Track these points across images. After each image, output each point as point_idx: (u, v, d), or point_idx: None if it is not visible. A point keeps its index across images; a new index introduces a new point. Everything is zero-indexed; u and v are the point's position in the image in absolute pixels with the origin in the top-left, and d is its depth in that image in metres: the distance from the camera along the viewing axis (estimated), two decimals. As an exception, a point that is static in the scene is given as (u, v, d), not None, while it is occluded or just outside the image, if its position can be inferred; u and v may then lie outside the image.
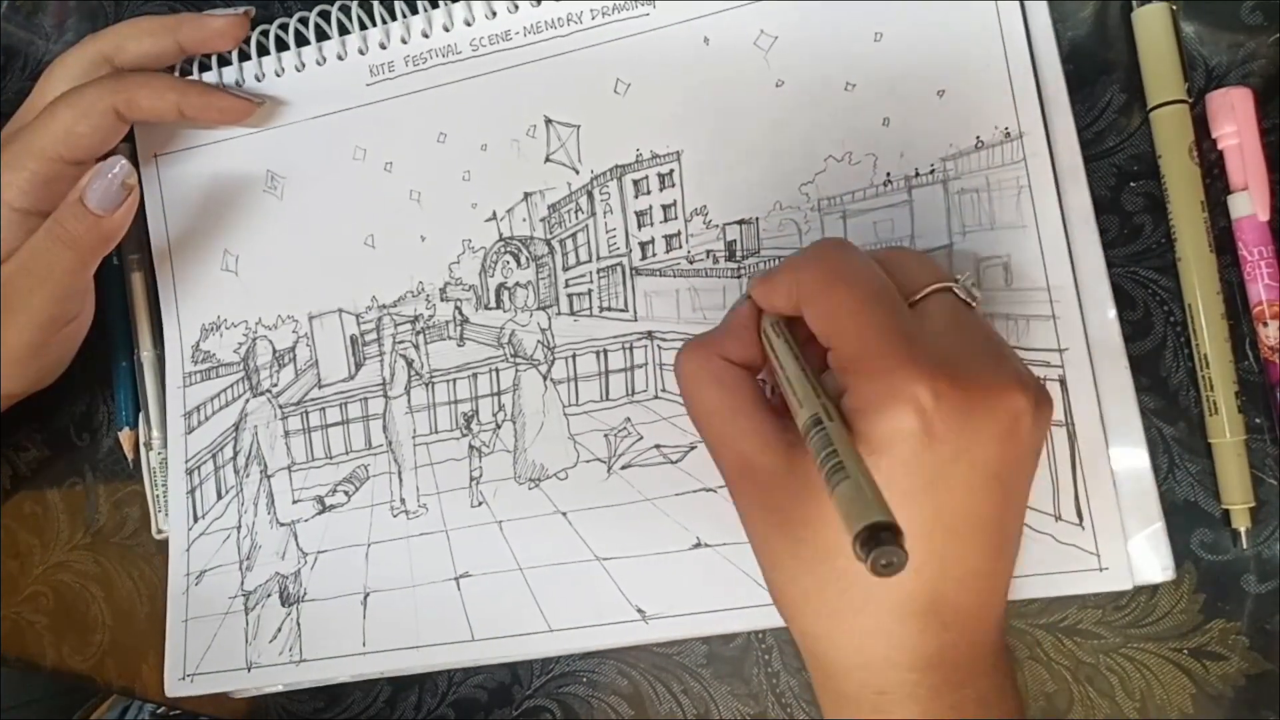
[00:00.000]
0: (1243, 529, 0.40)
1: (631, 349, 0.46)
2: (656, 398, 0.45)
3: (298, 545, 0.49)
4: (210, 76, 0.51)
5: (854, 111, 0.43)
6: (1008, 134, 0.41)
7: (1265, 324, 0.40)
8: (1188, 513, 0.41)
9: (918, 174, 0.42)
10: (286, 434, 0.50)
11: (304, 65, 0.50)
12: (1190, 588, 0.41)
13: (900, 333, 0.31)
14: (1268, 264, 0.40)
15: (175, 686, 0.49)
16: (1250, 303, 0.40)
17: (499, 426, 0.47)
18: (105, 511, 0.55)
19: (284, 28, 0.50)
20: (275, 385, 0.50)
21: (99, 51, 0.48)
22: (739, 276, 0.44)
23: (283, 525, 0.49)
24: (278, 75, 0.50)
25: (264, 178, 0.51)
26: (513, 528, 0.46)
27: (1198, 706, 0.40)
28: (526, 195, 0.47)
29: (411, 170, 0.49)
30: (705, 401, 0.35)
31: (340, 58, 0.49)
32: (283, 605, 0.48)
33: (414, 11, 0.48)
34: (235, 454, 0.50)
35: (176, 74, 0.50)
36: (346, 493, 0.49)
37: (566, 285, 0.47)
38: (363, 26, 0.49)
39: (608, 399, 0.46)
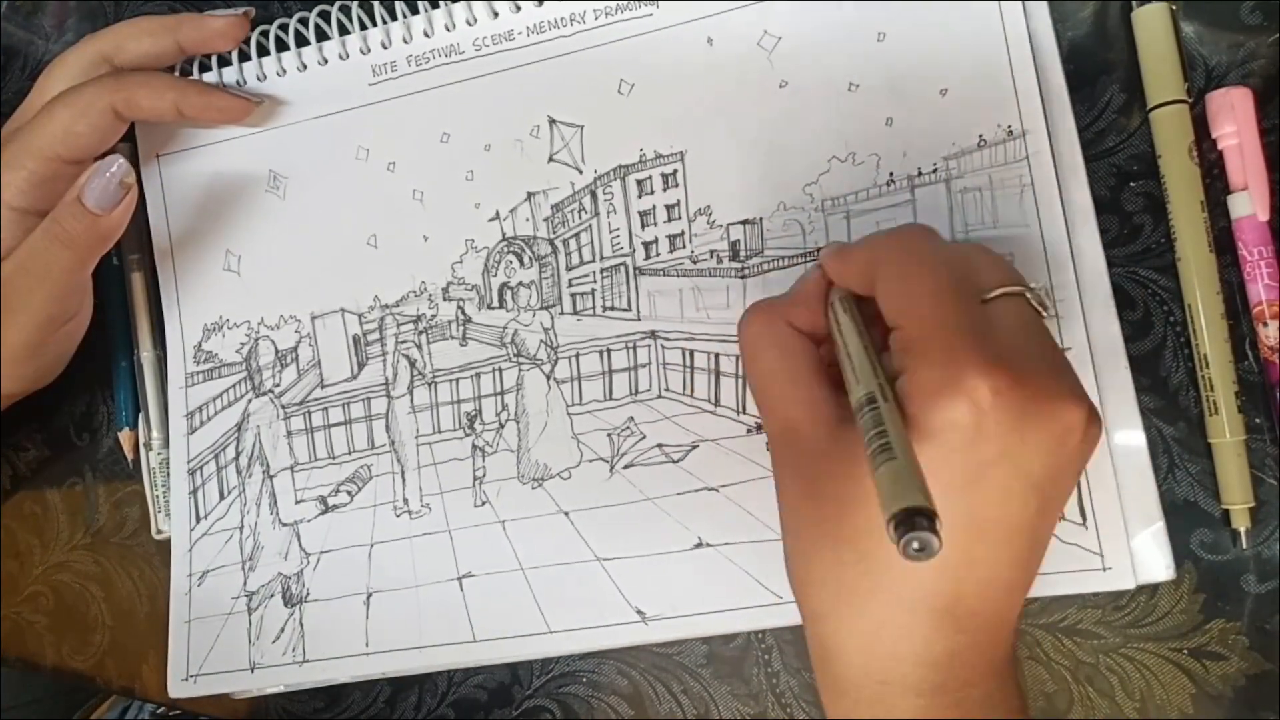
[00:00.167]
0: (1243, 529, 0.40)
1: (635, 348, 0.46)
2: (660, 397, 0.45)
3: (300, 546, 0.49)
4: (210, 77, 0.51)
5: (857, 111, 0.43)
6: (1010, 133, 0.41)
7: (1265, 324, 0.40)
8: (1188, 513, 0.41)
9: (921, 173, 0.42)
10: (289, 434, 0.50)
11: (305, 65, 0.50)
12: (1190, 588, 0.41)
13: (969, 325, 0.31)
14: (1268, 264, 0.40)
15: (178, 688, 0.49)
16: (1250, 303, 0.41)
17: (502, 426, 0.47)
18: (105, 511, 0.55)
19: (284, 28, 0.50)
20: (278, 385, 0.50)
21: (98, 51, 0.48)
22: (743, 277, 0.44)
23: (285, 525, 0.49)
24: (279, 75, 0.50)
25: (266, 178, 0.51)
26: (515, 528, 0.46)
27: (1198, 706, 0.41)
28: (530, 195, 0.47)
29: (414, 170, 0.49)
30: (764, 363, 0.36)
31: (342, 57, 0.49)
32: (285, 606, 0.48)
33: (415, 11, 0.48)
34: (238, 454, 0.50)
35: (176, 74, 0.50)
36: (349, 493, 0.49)
37: (570, 285, 0.47)
38: (362, 27, 0.49)
39: (611, 398, 0.46)
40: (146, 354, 0.53)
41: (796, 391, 0.34)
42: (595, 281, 0.46)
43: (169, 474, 0.51)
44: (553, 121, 0.47)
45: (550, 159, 0.47)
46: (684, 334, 0.45)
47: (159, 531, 0.52)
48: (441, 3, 0.48)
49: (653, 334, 0.45)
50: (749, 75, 0.44)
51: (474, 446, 0.47)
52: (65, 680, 0.54)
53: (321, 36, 0.50)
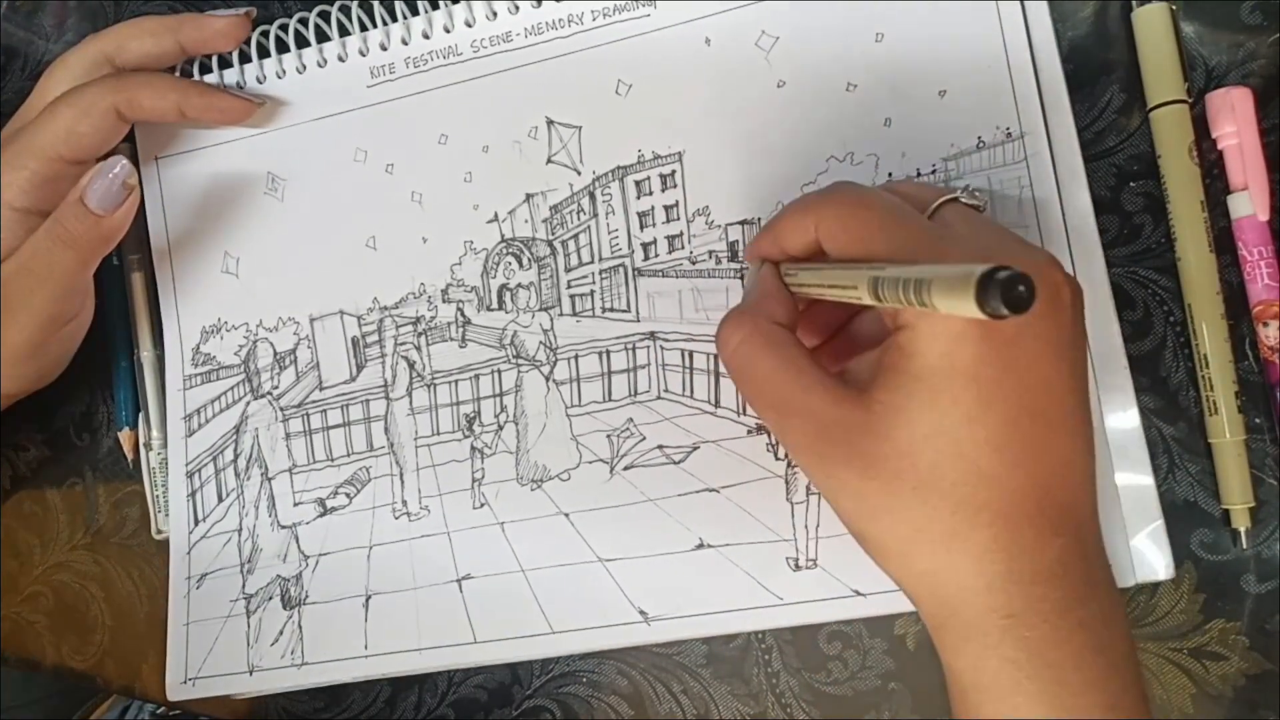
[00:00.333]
0: (1243, 529, 0.40)
1: (634, 350, 0.46)
2: (659, 398, 0.45)
3: (299, 548, 0.49)
4: (211, 78, 0.51)
5: (855, 112, 0.43)
6: (1009, 134, 0.41)
7: (1265, 324, 0.40)
8: (1188, 513, 0.41)
9: (919, 174, 0.42)
10: (288, 436, 0.50)
11: (305, 67, 0.50)
12: (1190, 588, 0.41)
13: (930, 234, 0.32)
14: (1268, 264, 0.40)
15: (177, 690, 0.49)
16: (1250, 303, 0.41)
17: (501, 428, 0.47)
18: (105, 511, 0.55)
19: (284, 29, 0.50)
20: (276, 387, 0.50)
21: (100, 51, 0.48)
22: (742, 277, 0.44)
23: (284, 528, 0.49)
24: (279, 77, 0.50)
25: (264, 179, 0.51)
26: (515, 529, 0.46)
27: (1198, 706, 0.41)
28: (528, 196, 0.47)
29: (413, 172, 0.49)
30: (762, 367, 0.35)
31: (341, 59, 0.49)
32: (284, 608, 0.48)
33: (414, 13, 0.48)
34: (236, 456, 0.50)
35: (177, 75, 0.50)
36: (348, 495, 0.49)
37: (569, 286, 0.47)
38: (363, 28, 0.49)
39: (610, 400, 0.46)
40: (146, 354, 0.53)
41: (808, 381, 0.34)
42: (594, 283, 0.46)
43: (169, 474, 0.51)
44: (551, 123, 0.47)
45: (549, 160, 0.47)
46: (683, 335, 0.45)
47: (159, 531, 0.52)
48: (440, 4, 0.48)
49: (652, 335, 0.45)
50: (747, 75, 0.44)
51: (473, 448, 0.47)
52: (65, 680, 0.54)
53: (321, 37, 0.50)
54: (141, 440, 0.53)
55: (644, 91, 0.46)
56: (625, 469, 0.45)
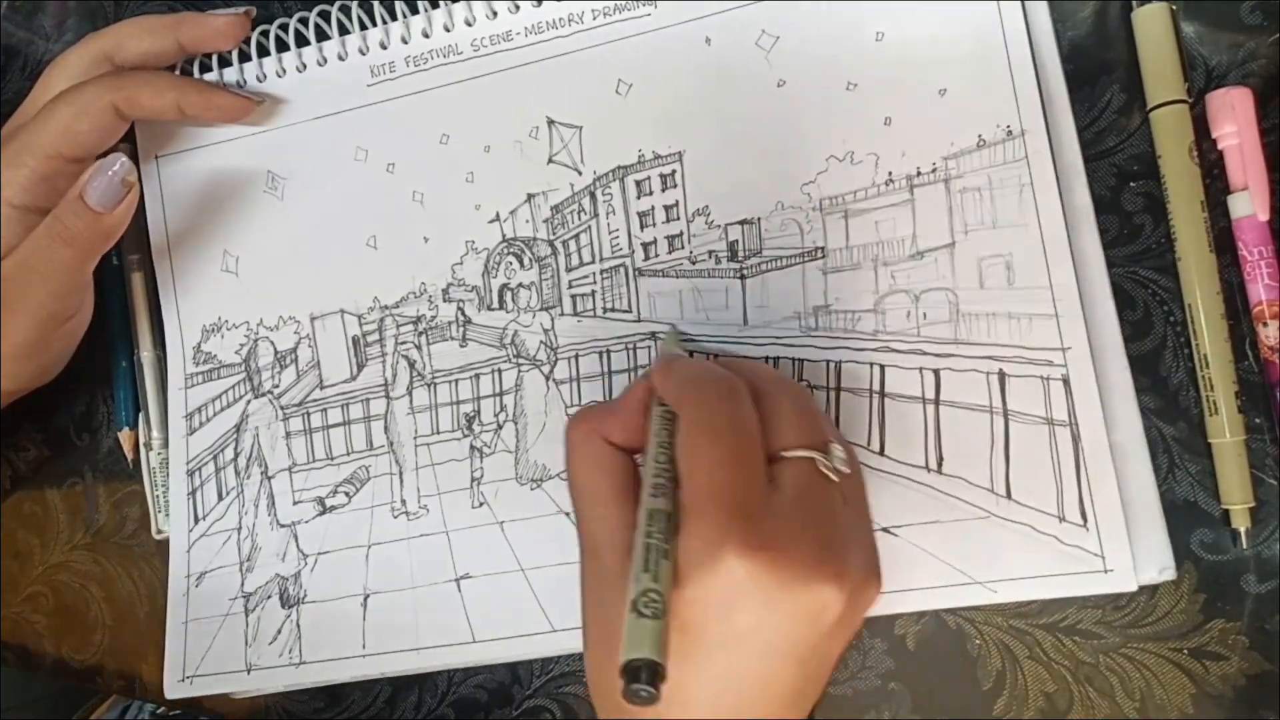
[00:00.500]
0: (1243, 529, 0.40)
1: (635, 350, 0.46)
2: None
3: (298, 547, 0.49)
4: (211, 77, 0.51)
5: (855, 111, 0.43)
6: (1009, 132, 0.41)
7: (1265, 324, 0.40)
8: (1188, 513, 0.41)
9: (919, 173, 0.42)
10: (288, 435, 0.50)
11: (305, 65, 0.50)
12: (1190, 588, 0.41)
13: (741, 504, 0.32)
14: (1268, 264, 0.40)
15: (175, 688, 0.49)
16: (1250, 303, 0.40)
17: (500, 427, 0.47)
18: (105, 511, 0.55)
19: (284, 28, 0.50)
20: (277, 386, 0.50)
21: (100, 50, 0.48)
22: (741, 277, 0.44)
23: (283, 527, 0.49)
24: (279, 75, 0.50)
25: (264, 178, 0.51)
26: (514, 528, 0.46)
27: (1198, 706, 0.40)
28: (529, 196, 0.47)
29: (414, 171, 0.49)
30: (576, 477, 0.36)
31: (341, 58, 0.49)
32: (283, 607, 0.48)
33: (414, 11, 0.48)
34: (236, 455, 0.50)
35: (176, 73, 0.50)
36: (347, 494, 0.49)
37: (569, 286, 0.47)
38: (363, 27, 0.49)
39: (610, 399, 0.46)
40: (146, 354, 0.53)
41: (599, 511, 0.35)
42: (595, 283, 0.46)
43: (169, 474, 0.51)
44: (551, 122, 0.47)
45: (550, 160, 0.47)
46: (683, 335, 0.45)
47: (159, 531, 0.52)
48: (441, 3, 0.48)
49: (653, 335, 0.45)
50: (747, 75, 0.44)
51: (472, 447, 0.47)
52: (65, 680, 0.54)
53: (321, 37, 0.50)
54: (141, 440, 0.53)
55: (644, 91, 0.46)
56: (625, 468, 0.45)
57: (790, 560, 0.31)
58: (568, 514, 0.45)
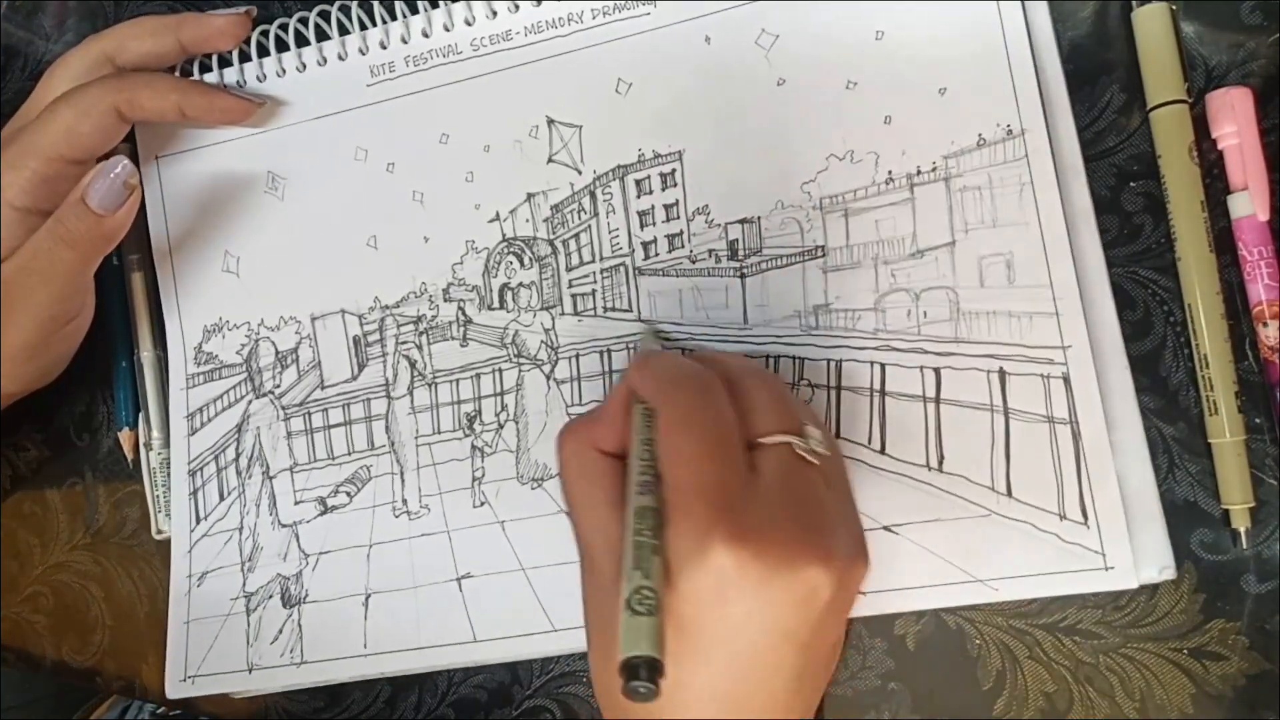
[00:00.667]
0: (1243, 529, 0.40)
1: (635, 349, 0.46)
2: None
3: (299, 546, 0.49)
4: (211, 77, 0.51)
5: (855, 110, 0.43)
6: (1010, 131, 0.41)
7: (1265, 324, 0.40)
8: (1188, 513, 0.41)
9: (920, 171, 0.42)
10: (289, 435, 0.50)
11: (305, 66, 0.50)
12: (1190, 588, 0.41)
13: (723, 495, 0.32)
14: (1268, 264, 0.40)
15: (176, 688, 0.49)
16: (1250, 303, 0.40)
17: (501, 427, 0.47)
18: (105, 511, 0.55)
19: (284, 28, 0.50)
20: (278, 386, 0.50)
21: (101, 51, 0.48)
22: (741, 276, 0.44)
23: (284, 526, 0.49)
24: (279, 76, 0.50)
25: (265, 179, 0.51)
26: (515, 528, 0.46)
27: (1198, 706, 0.40)
28: (529, 196, 0.47)
29: (414, 171, 0.49)
30: (568, 485, 0.36)
31: (341, 58, 0.49)
32: (284, 607, 0.48)
33: (414, 11, 0.48)
34: (238, 455, 0.50)
35: (177, 74, 0.50)
36: (348, 494, 0.49)
37: (570, 285, 0.47)
38: (363, 26, 0.49)
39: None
40: (146, 354, 0.53)
41: (593, 519, 0.35)
42: (595, 282, 0.46)
43: (169, 474, 0.51)
44: (551, 122, 0.47)
45: (549, 159, 0.47)
46: (684, 334, 0.45)
47: (159, 531, 0.52)
48: (440, 3, 0.48)
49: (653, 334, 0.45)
50: (747, 74, 0.44)
51: (473, 447, 0.47)
52: (65, 680, 0.54)
53: (321, 37, 0.50)
54: (141, 440, 0.53)
55: (644, 90, 0.46)
56: (626, 468, 0.45)
57: (776, 546, 0.32)
58: (569, 514, 0.45)
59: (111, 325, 0.54)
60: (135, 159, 0.52)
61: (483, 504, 0.46)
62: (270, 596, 0.49)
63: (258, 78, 0.50)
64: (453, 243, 0.48)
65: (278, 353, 0.50)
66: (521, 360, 0.47)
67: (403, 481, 0.48)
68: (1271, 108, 0.41)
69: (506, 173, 0.47)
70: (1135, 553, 0.39)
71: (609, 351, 0.46)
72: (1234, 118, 0.40)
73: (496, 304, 0.47)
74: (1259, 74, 0.41)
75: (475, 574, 0.46)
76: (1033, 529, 0.40)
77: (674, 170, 0.45)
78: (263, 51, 0.50)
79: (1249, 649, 0.40)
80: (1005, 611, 0.42)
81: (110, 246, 0.46)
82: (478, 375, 0.48)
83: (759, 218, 0.44)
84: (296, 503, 0.49)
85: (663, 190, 0.45)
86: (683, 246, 0.45)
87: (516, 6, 0.47)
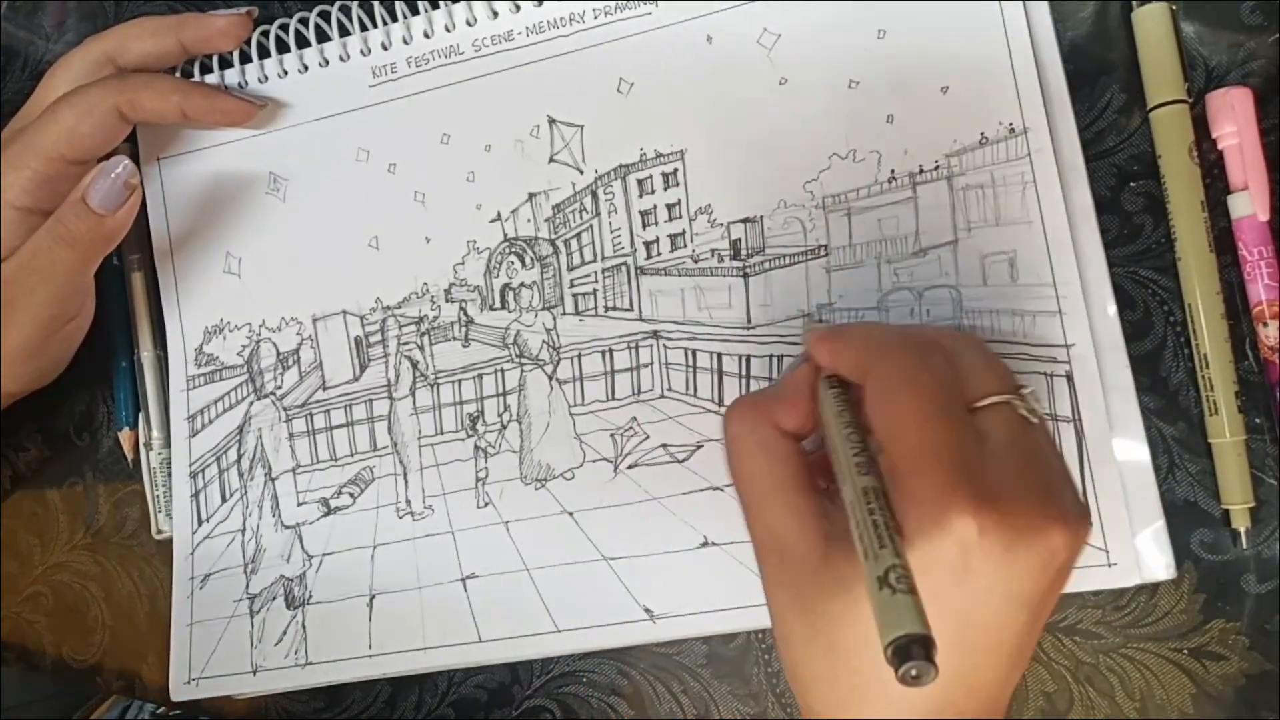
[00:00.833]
0: (1243, 529, 0.40)
1: (637, 348, 0.46)
2: (662, 397, 0.45)
3: (303, 548, 0.49)
4: (212, 78, 0.51)
5: (858, 108, 0.43)
6: (1012, 130, 0.41)
7: (1265, 324, 0.40)
8: (1188, 513, 0.41)
9: (922, 170, 0.42)
10: (291, 436, 0.50)
11: (306, 67, 0.50)
12: (1190, 588, 0.41)
13: (956, 457, 0.31)
14: (1268, 264, 0.40)
15: (181, 690, 0.49)
16: (1250, 303, 0.41)
17: (504, 427, 0.47)
18: (105, 511, 0.54)
19: (284, 29, 0.50)
20: (279, 387, 0.50)
21: (102, 51, 0.48)
22: (744, 275, 0.44)
23: (287, 528, 0.49)
24: (280, 76, 0.50)
25: (266, 179, 0.51)
26: (519, 528, 0.46)
27: (1198, 706, 0.41)
28: (531, 196, 0.47)
29: (415, 171, 0.49)
30: (748, 469, 0.35)
31: (342, 59, 0.49)
32: (288, 608, 0.48)
33: (415, 12, 0.48)
34: (239, 457, 0.50)
35: (178, 75, 0.50)
36: (351, 495, 0.49)
37: (572, 285, 0.47)
38: (363, 27, 0.49)
39: (614, 398, 0.46)
40: (147, 354, 0.53)
41: (782, 502, 0.34)
42: (597, 282, 0.46)
43: (169, 474, 0.51)
44: (553, 121, 0.47)
45: (551, 159, 0.47)
46: (686, 334, 0.45)
47: (159, 531, 0.52)
48: (441, 3, 0.48)
49: (655, 334, 0.45)
50: (749, 73, 0.44)
51: (476, 448, 0.47)
52: (65, 680, 0.54)
53: (322, 37, 0.50)
54: (141, 440, 0.52)
55: (646, 90, 0.46)
56: (629, 468, 0.45)
57: (1018, 510, 0.30)
58: (572, 514, 0.45)
59: (111, 325, 0.53)
60: (137, 159, 0.52)
61: (486, 504, 0.46)
62: (274, 598, 0.49)
63: (259, 79, 0.50)
64: (454, 243, 0.48)
65: (279, 354, 0.50)
66: (524, 360, 0.47)
67: (406, 482, 0.48)
68: (1271, 108, 0.41)
69: (508, 173, 0.47)
70: (1135, 552, 0.39)
71: (611, 351, 0.46)
72: (1234, 118, 0.40)
73: (498, 304, 0.47)
74: (1259, 74, 0.41)
75: (480, 574, 0.46)
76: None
77: (676, 169, 0.45)
78: (263, 52, 0.50)
79: (1249, 649, 0.40)
80: (1006, 611, 0.42)
81: (110, 247, 0.46)
82: (480, 376, 0.48)
83: (761, 217, 0.44)
84: (299, 504, 0.49)
85: (665, 190, 0.45)
86: (685, 246, 0.45)
87: (518, 7, 0.47)
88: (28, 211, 0.46)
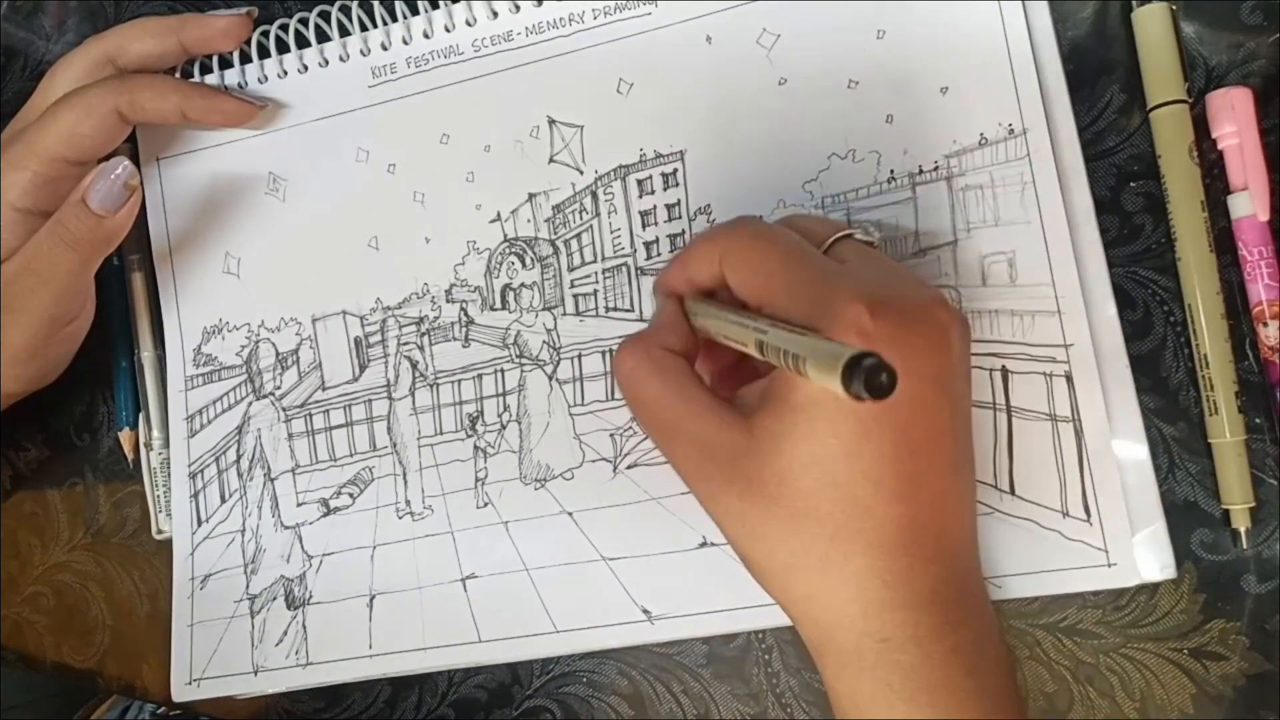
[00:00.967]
0: (1243, 529, 0.40)
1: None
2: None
3: (303, 548, 0.49)
4: (212, 78, 0.51)
5: (857, 109, 0.43)
6: (1011, 130, 0.41)
7: (1265, 324, 0.40)
8: (1188, 513, 0.41)
9: (921, 171, 0.42)
10: (290, 437, 0.50)
11: (306, 67, 0.50)
12: (1190, 588, 0.41)
13: (825, 271, 0.33)
14: (1268, 264, 0.40)
15: (182, 691, 0.49)
16: (1250, 303, 0.41)
17: (504, 427, 0.47)
18: (105, 511, 0.55)
19: (284, 29, 0.50)
20: (279, 388, 0.50)
21: (102, 52, 0.48)
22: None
23: (287, 528, 0.49)
24: (280, 77, 0.50)
25: (266, 180, 0.51)
26: (518, 528, 0.46)
27: (1198, 706, 0.41)
28: (531, 196, 0.47)
29: (415, 172, 0.49)
30: (651, 392, 0.36)
31: (342, 59, 0.49)
32: (288, 608, 0.48)
33: (415, 12, 0.48)
34: (239, 457, 0.50)
35: (178, 76, 0.50)
36: (351, 495, 0.49)
37: (572, 286, 0.47)
38: (363, 27, 0.49)
39: (613, 398, 0.46)
40: (147, 354, 0.53)
41: (694, 407, 0.35)
42: (597, 282, 0.46)
43: (169, 474, 0.51)
44: (552, 122, 0.47)
45: (551, 160, 0.47)
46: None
47: (159, 531, 0.52)
48: (441, 4, 0.48)
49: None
50: (748, 73, 0.44)
51: (476, 448, 0.47)
52: (65, 680, 0.54)
53: (322, 37, 0.50)
54: (142, 440, 0.52)
55: (645, 90, 0.46)
56: (628, 468, 0.45)
57: (898, 295, 0.32)
58: (571, 514, 0.45)
59: (111, 325, 0.53)
60: (136, 160, 0.52)
61: (486, 505, 0.46)
62: (274, 598, 0.49)
63: (258, 79, 0.50)
64: (454, 243, 0.48)
65: (278, 354, 0.50)
66: (524, 361, 0.47)
67: (405, 483, 0.48)
68: (1271, 108, 0.41)
69: (508, 173, 0.47)
70: (1135, 553, 0.39)
71: (611, 352, 0.46)
72: (1234, 118, 0.40)
73: (498, 304, 0.47)
74: (1259, 74, 0.41)
75: (479, 575, 0.46)
76: (1035, 526, 0.40)
77: (676, 170, 0.45)
78: (263, 52, 0.50)
79: (1249, 649, 0.40)
80: (1006, 611, 0.42)
81: (110, 247, 0.46)
82: (480, 376, 0.48)
83: (761, 217, 0.44)
84: (299, 504, 0.49)
85: (665, 190, 0.45)
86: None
87: (518, 7, 0.47)
88: (28, 213, 0.46)
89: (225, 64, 0.51)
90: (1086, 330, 0.40)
